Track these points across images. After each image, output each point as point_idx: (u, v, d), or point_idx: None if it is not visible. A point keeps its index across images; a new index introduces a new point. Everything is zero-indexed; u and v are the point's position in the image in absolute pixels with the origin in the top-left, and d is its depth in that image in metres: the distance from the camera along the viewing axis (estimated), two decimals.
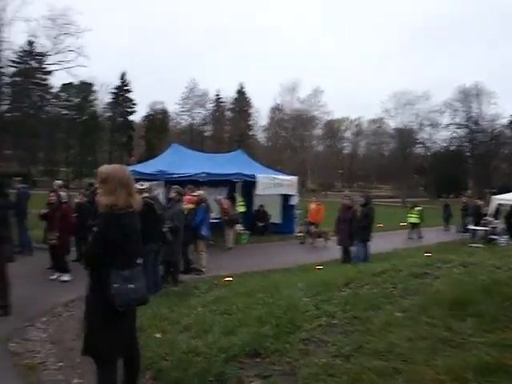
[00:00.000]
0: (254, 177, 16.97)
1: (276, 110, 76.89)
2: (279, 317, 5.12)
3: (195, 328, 5.46)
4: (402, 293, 5.54)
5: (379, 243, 13.12)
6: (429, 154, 74.15)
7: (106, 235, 3.51)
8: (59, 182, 14.16)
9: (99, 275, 3.54)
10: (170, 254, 8.70)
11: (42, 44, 48.21)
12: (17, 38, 73.39)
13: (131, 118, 73.63)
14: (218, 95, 77.05)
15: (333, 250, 13.88)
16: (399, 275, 6.54)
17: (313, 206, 17.93)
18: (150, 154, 61.83)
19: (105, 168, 3.70)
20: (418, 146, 71.91)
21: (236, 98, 77.43)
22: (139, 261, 3.73)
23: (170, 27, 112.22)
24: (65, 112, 70.45)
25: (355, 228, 11.33)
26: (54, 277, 9.72)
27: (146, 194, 8.32)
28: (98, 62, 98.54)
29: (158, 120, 74.55)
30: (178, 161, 16.33)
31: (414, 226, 21.53)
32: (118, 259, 3.51)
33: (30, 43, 53.71)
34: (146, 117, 75.78)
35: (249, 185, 17.41)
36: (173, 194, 9.49)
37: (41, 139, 56.66)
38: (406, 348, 3.93)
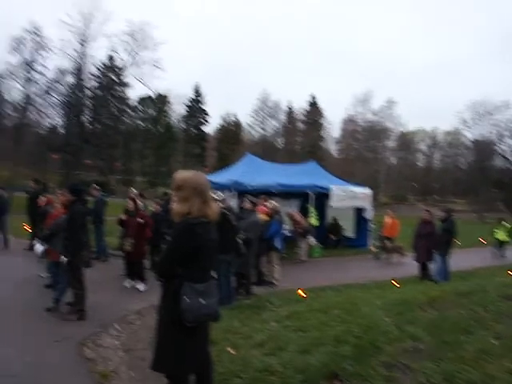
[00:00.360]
0: (327, 189, 16.61)
1: (349, 121, 75.97)
2: (359, 337, 4.81)
3: (269, 344, 5.23)
4: (495, 316, 5.07)
5: (457, 260, 12.42)
6: (509, 167, 70.41)
7: (179, 246, 3.33)
8: (134, 190, 14.43)
9: (171, 287, 3.37)
10: (243, 265, 8.55)
11: (122, 58, 49.92)
12: (99, 53, 76.36)
13: (205, 129, 75.03)
14: (289, 106, 77.10)
15: (409, 266, 13.35)
16: (488, 296, 6.06)
17: (388, 219, 17.33)
18: (223, 164, 62.70)
19: (180, 174, 3.53)
20: (497, 158, 68.46)
21: (308, 110, 77.13)
22: (214, 274, 3.54)
23: (243, 39, 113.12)
24: (141, 123, 72.94)
25: (434, 243, 10.80)
26: (128, 284, 9.80)
27: (220, 204, 8.24)
28: (173, 74, 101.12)
29: (230, 131, 75.47)
30: (251, 171, 16.27)
31: (500, 243, 20.10)
32: (190, 271, 3.33)
33: (111, 58, 55.77)
34: (219, 128, 76.98)
35: (322, 197, 17.04)
36: (247, 205, 9.36)
37: (118, 149, 58.50)
38: (506, 382, 3.51)
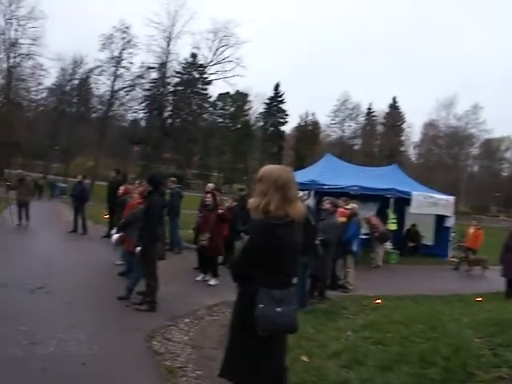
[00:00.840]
0: (408, 194, 15.90)
1: (430, 125, 73.53)
2: (447, 358, 4.36)
3: (346, 356, 4.88)
4: None
5: None
6: None
7: (257, 246, 3.00)
8: (211, 184, 14.41)
9: (246, 291, 3.08)
10: (319, 268, 8.19)
11: (204, 55, 50.68)
12: (183, 51, 78.38)
13: (283, 128, 75.07)
14: (369, 109, 75.75)
15: (492, 280, 12.55)
16: None
17: (472, 230, 16.41)
18: (299, 164, 62.41)
19: (264, 167, 3.26)
20: None
21: (388, 112, 75.36)
22: (294, 280, 3.23)
23: (323, 39, 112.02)
24: (220, 120, 74.06)
25: None
26: (199, 278, 9.71)
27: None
28: (254, 72, 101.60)
29: (308, 131, 75.00)
30: (330, 171, 15.86)
31: None
32: (268, 276, 3.00)
33: (194, 55, 56.87)
34: (297, 127, 76.71)
35: (402, 202, 16.35)
36: (327, 206, 8.97)
37: (197, 145, 59.63)
38: None
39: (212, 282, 9.49)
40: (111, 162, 55.03)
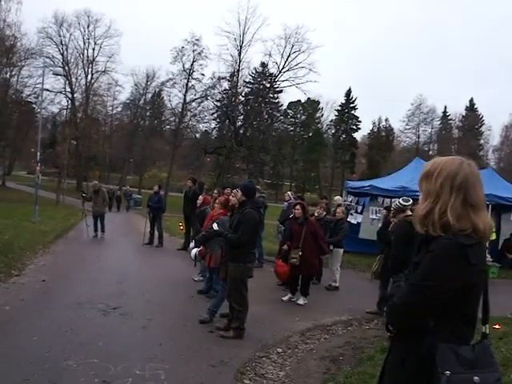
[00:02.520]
0: (510, 200, 14.27)
1: (511, 127, 69.37)
2: None
3: None
4: None
5: None
6: None
7: (442, 282, 1.87)
8: (290, 193, 13.51)
9: (414, 349, 1.96)
10: None
11: (276, 62, 49.91)
12: (254, 58, 78.53)
13: (355, 135, 73.31)
14: (445, 112, 72.54)
15: None
16: None
17: None
18: (372, 172, 60.60)
19: (434, 159, 2.17)
20: None
21: (465, 115, 71.85)
22: (485, 329, 2.09)
23: (394, 43, 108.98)
24: (291, 128, 73.23)
25: None
26: (286, 298, 8.69)
27: (409, 213, 6.82)
28: (324, 79, 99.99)
29: (381, 137, 72.78)
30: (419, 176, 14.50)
31: None
32: (452, 325, 1.91)
33: (263, 65, 56.47)
34: (369, 134, 74.72)
35: (499, 209, 14.71)
36: None
37: (268, 154, 59.17)
38: None
39: (301, 301, 8.48)
40: (184, 173, 55.82)
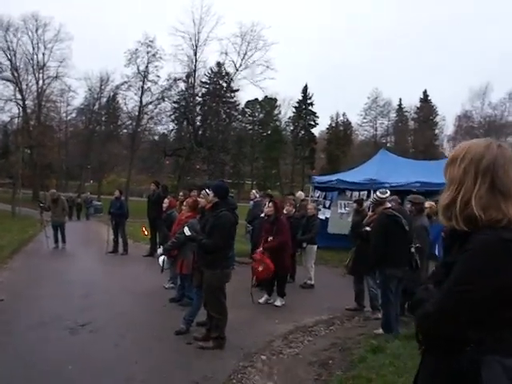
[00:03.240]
0: None
1: (464, 117, 70.93)
2: None
3: None
4: None
5: None
6: None
7: (483, 285, 1.55)
8: (254, 191, 13.25)
9: (452, 362, 1.62)
10: (414, 281, 6.77)
11: (233, 60, 49.47)
12: (210, 58, 77.69)
13: (313, 130, 73.65)
14: (400, 104, 73.58)
15: None
16: None
17: None
18: (332, 166, 61.02)
19: (460, 144, 1.85)
20: None
21: (420, 107, 73.10)
22: None
23: (347, 37, 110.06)
24: (250, 127, 72.98)
25: None
26: (263, 300, 8.37)
27: (388, 205, 6.58)
28: (279, 76, 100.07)
29: (340, 132, 73.40)
30: (386, 168, 14.43)
31: None
32: (497, 334, 1.58)
33: (219, 64, 56.05)
34: (328, 129, 75.20)
35: None
36: (408, 206, 7.59)
37: (229, 154, 58.85)
38: None
39: (278, 302, 8.18)
40: (143, 176, 55.02)
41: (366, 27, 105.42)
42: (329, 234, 15.02)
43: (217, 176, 56.85)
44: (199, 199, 6.74)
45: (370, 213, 7.62)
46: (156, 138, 53.46)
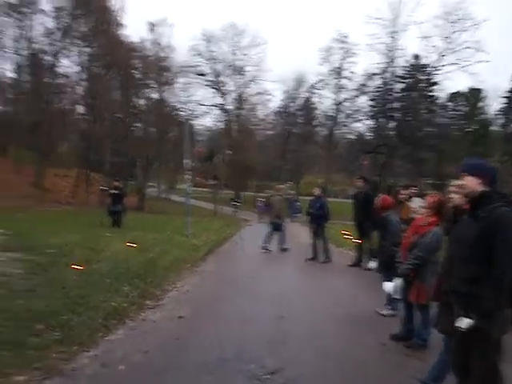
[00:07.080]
0: None
1: None
2: None
3: None
4: None
5: None
6: None
7: None
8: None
9: None
10: None
11: (434, 45, 44.95)
12: (410, 45, 72.09)
13: None
14: None
15: None
16: None
17: None
18: None
19: None
20: None
21: None
22: None
23: None
24: (452, 122, 66.89)
25: None
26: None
27: None
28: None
29: None
30: None
31: None
32: None
33: (416, 57, 52.19)
34: None
35: None
36: None
37: (432, 151, 54.81)
38: None
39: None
40: (341, 177, 54.19)
41: None
42: None
43: (416, 176, 53.15)
44: (453, 196, 4.08)
45: None
46: (352, 136, 51.93)
